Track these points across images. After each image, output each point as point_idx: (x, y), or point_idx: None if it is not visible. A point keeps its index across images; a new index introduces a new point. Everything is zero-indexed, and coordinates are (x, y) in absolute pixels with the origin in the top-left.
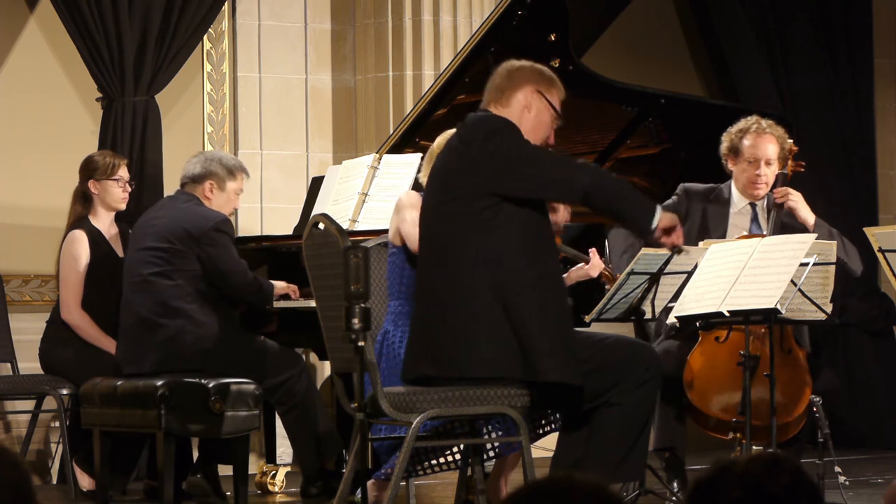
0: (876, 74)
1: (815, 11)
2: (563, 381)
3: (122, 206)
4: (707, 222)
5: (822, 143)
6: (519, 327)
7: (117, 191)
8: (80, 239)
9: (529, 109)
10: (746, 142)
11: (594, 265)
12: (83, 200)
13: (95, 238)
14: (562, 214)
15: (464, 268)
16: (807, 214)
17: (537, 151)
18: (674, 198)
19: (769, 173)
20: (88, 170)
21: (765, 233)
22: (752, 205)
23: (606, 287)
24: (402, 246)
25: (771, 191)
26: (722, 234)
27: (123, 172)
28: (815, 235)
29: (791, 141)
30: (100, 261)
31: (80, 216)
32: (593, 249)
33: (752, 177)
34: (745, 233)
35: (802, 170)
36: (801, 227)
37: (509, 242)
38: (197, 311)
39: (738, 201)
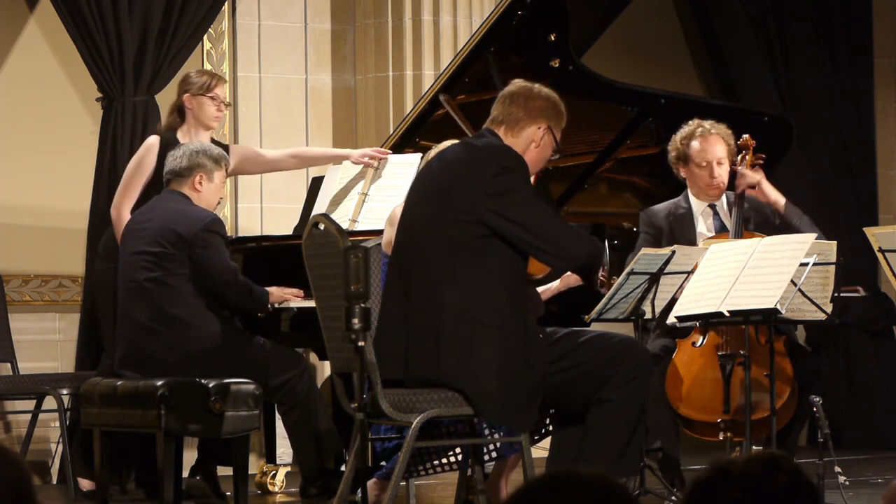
0: (876, 74)
1: (815, 11)
2: (504, 425)
3: (215, 125)
4: (675, 237)
5: (822, 143)
6: (478, 359)
7: (210, 108)
8: (152, 146)
9: (537, 144)
10: (695, 145)
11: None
12: (178, 113)
13: (170, 150)
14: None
15: (443, 286)
16: (776, 196)
17: (545, 211)
18: (640, 226)
19: (722, 173)
20: (185, 84)
21: (729, 230)
22: (712, 206)
23: (603, 291)
24: None
25: (730, 190)
26: (692, 243)
27: (220, 91)
28: (814, 235)
29: (747, 136)
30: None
31: (169, 127)
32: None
33: (707, 179)
34: (713, 233)
35: (762, 162)
36: (763, 218)
37: (492, 274)
38: (195, 317)
39: (696, 206)
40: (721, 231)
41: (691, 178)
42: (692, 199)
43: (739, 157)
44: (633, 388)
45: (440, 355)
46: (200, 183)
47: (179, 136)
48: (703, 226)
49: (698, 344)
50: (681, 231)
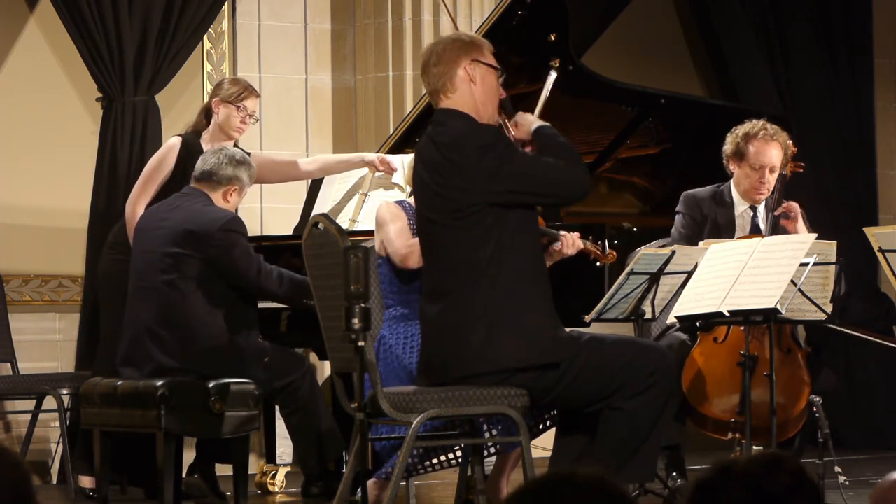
0: (876, 74)
1: (815, 11)
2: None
3: (236, 136)
4: (718, 224)
5: (822, 143)
6: (523, 318)
7: (235, 119)
8: (173, 147)
9: (474, 81)
10: (752, 148)
11: (567, 244)
12: (205, 116)
13: (191, 152)
14: None
15: (467, 280)
16: (802, 230)
17: (534, 160)
18: (681, 207)
19: (772, 180)
20: (217, 89)
21: (764, 235)
22: (753, 207)
23: (598, 264)
24: (388, 256)
25: (771, 195)
26: (731, 236)
27: (250, 104)
28: (814, 235)
29: (790, 142)
30: (184, 175)
31: (196, 128)
32: (563, 233)
33: (755, 183)
34: (746, 233)
35: (801, 170)
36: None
37: (512, 250)
38: (201, 320)
39: (738, 204)
40: (754, 232)
41: (740, 176)
42: (735, 194)
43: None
44: (646, 399)
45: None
46: (231, 194)
47: (203, 138)
48: (740, 226)
49: (720, 340)
50: (722, 218)
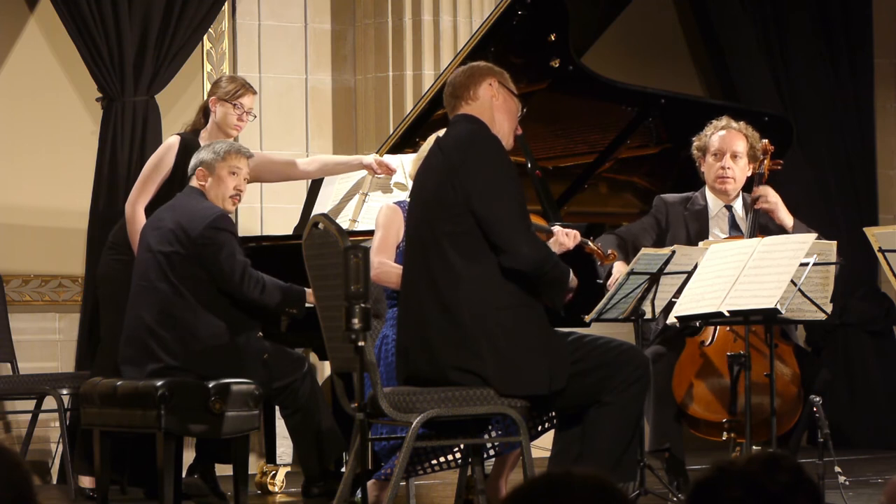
0: (876, 74)
1: (815, 12)
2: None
3: (234, 133)
4: (689, 230)
5: (822, 143)
6: (505, 340)
7: (231, 116)
8: (171, 146)
9: (497, 98)
10: (714, 138)
11: (560, 235)
12: (203, 114)
13: (190, 151)
14: None
15: (452, 282)
16: (785, 216)
17: (510, 207)
18: (653, 209)
19: (736, 168)
20: (214, 87)
21: (743, 233)
22: (728, 207)
23: (599, 264)
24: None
25: (747, 192)
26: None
27: (246, 101)
28: (815, 235)
29: (766, 141)
30: (183, 174)
31: (195, 127)
32: (557, 227)
33: (718, 170)
34: (726, 235)
35: (780, 168)
36: (778, 229)
37: (492, 262)
38: (200, 320)
39: (713, 206)
40: (735, 234)
41: (707, 169)
42: (709, 196)
43: (757, 163)
44: (634, 392)
45: (464, 351)
46: (204, 178)
47: (202, 137)
48: (718, 228)
49: (707, 343)
50: (694, 223)
